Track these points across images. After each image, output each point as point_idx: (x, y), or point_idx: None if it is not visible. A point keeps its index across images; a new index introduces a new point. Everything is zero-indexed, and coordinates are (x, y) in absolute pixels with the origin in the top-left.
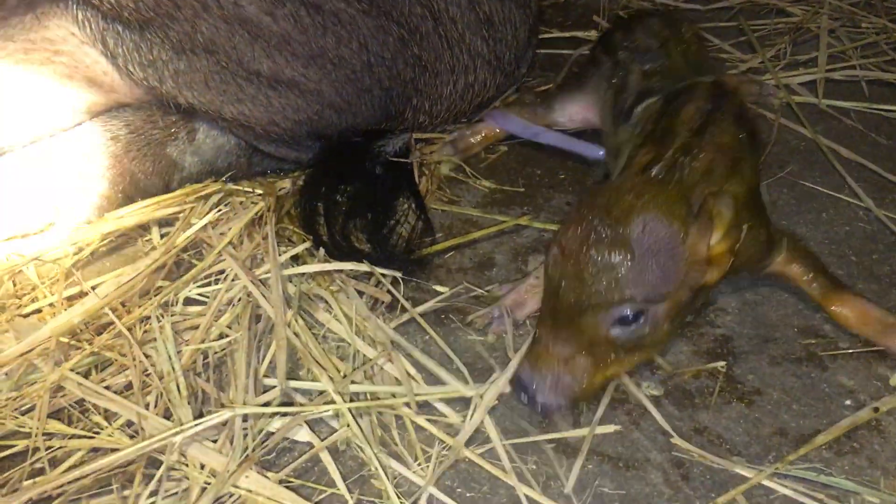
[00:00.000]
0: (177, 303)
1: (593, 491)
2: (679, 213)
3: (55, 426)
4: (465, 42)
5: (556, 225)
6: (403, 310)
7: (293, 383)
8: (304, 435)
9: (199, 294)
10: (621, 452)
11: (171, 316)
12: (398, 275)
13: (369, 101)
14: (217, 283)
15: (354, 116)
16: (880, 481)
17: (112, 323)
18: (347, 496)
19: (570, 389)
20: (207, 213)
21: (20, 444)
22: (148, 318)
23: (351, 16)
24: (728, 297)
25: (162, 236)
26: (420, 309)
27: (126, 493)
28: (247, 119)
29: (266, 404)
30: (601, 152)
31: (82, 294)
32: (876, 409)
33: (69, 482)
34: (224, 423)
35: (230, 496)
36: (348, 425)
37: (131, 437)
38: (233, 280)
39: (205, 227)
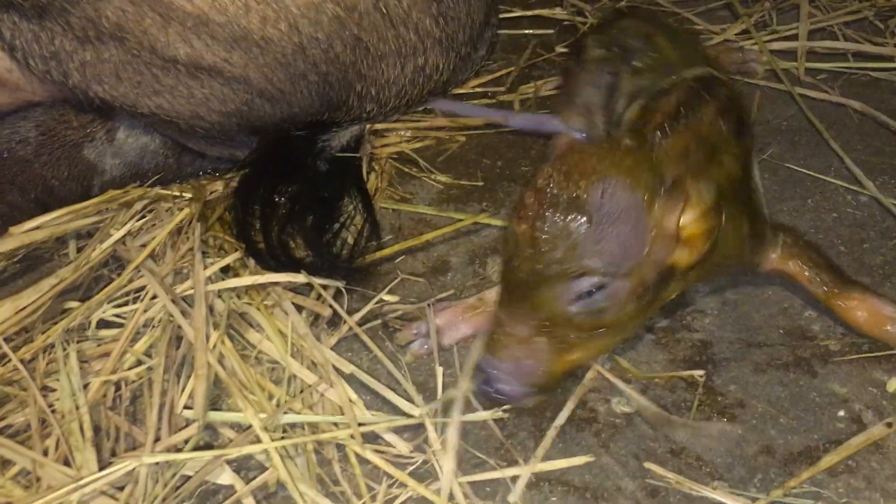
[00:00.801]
0: (89, 326)
1: None
2: (646, 181)
3: None
4: (412, 21)
5: None
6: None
7: (218, 415)
8: (226, 477)
9: (116, 315)
10: (589, 481)
11: (81, 342)
12: (341, 285)
13: (305, 87)
14: (136, 303)
15: (290, 106)
16: None
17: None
18: None
19: (531, 374)
20: (128, 222)
21: None
22: (53, 345)
23: None
24: (707, 298)
25: (80, 249)
26: (356, 318)
27: None
28: (167, 113)
29: (187, 441)
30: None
31: None
32: (889, 425)
33: None
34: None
35: None
36: (276, 467)
37: (27, 487)
38: (152, 298)
39: (125, 238)
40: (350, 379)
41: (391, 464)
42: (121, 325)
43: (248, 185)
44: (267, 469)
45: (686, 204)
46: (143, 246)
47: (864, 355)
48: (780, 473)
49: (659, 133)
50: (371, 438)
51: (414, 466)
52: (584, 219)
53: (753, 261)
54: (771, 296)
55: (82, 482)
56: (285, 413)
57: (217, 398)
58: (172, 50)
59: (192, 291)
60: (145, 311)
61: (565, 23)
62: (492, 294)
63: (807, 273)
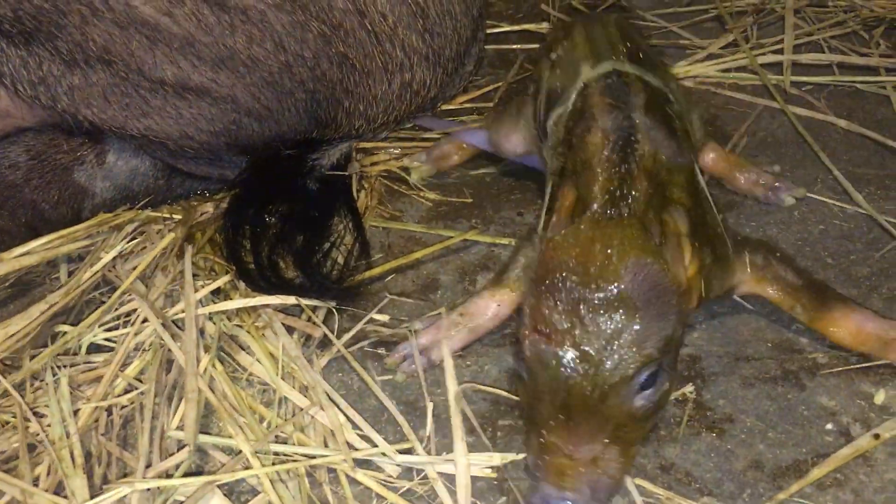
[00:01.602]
0: (80, 351)
1: None
2: (649, 247)
3: None
4: (398, 37)
5: (507, 238)
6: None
7: (209, 439)
8: (218, 502)
9: (107, 339)
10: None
11: (72, 367)
12: (331, 306)
13: (293, 105)
14: (126, 327)
15: (278, 124)
16: None
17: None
18: None
19: (609, 488)
20: (118, 245)
21: None
22: (44, 370)
23: (261, 12)
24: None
25: (71, 273)
26: (345, 339)
27: None
28: (156, 134)
29: (178, 466)
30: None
31: None
32: (877, 436)
33: None
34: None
35: None
36: (267, 491)
37: None
38: (143, 322)
39: (115, 261)
40: (340, 401)
41: (383, 486)
42: (111, 350)
43: (237, 205)
44: (259, 493)
45: (682, 249)
46: (134, 269)
47: (851, 367)
48: (769, 488)
49: (617, 183)
50: (362, 461)
51: (405, 488)
52: (630, 309)
53: (723, 287)
54: (758, 309)
55: None
56: (276, 439)
57: (208, 421)
58: (160, 71)
59: (183, 315)
60: (136, 334)
61: None
62: (474, 306)
63: (785, 299)
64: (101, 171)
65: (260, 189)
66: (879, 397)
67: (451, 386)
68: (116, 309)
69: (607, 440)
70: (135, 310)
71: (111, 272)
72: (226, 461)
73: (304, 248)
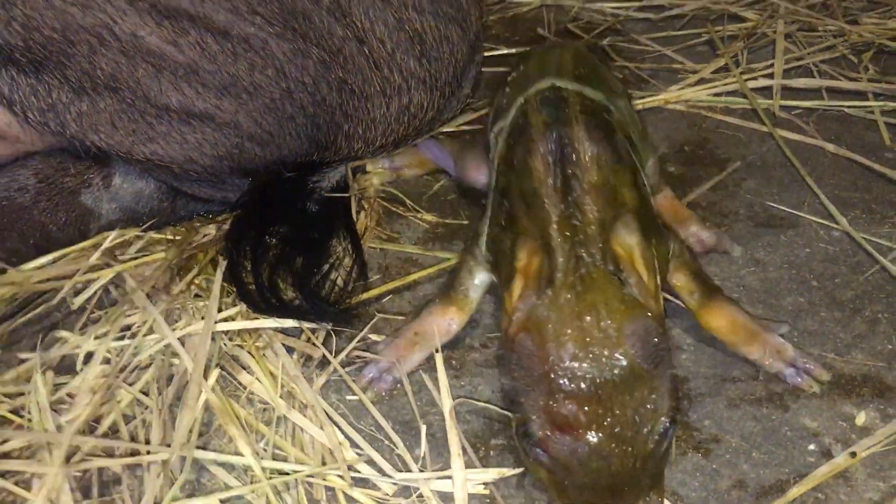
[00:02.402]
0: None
1: None
2: (628, 298)
3: None
4: (396, 62)
5: None
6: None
7: (209, 455)
8: None
9: (108, 354)
10: None
11: (73, 380)
12: (329, 327)
13: (294, 130)
14: (127, 340)
15: (280, 148)
16: None
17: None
18: None
19: None
20: (123, 263)
21: None
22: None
23: (263, 40)
24: (684, 334)
25: (76, 291)
26: (340, 359)
27: None
28: (161, 159)
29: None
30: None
31: None
32: (853, 455)
33: None
34: None
35: None
36: None
37: None
38: (145, 335)
39: (119, 279)
40: (338, 420)
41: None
42: (113, 364)
43: (239, 227)
44: None
45: (639, 272)
46: (137, 287)
47: (834, 389)
48: None
49: (572, 232)
50: (359, 479)
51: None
52: (646, 374)
53: (664, 277)
54: None
55: None
56: (275, 456)
57: (208, 438)
58: (165, 98)
59: (185, 331)
60: (134, 354)
61: None
62: (427, 325)
63: (688, 284)
64: (108, 193)
65: (261, 211)
66: (860, 419)
67: (446, 402)
68: (115, 319)
69: (648, 489)
70: (132, 324)
71: (115, 290)
72: (225, 478)
73: (303, 270)
